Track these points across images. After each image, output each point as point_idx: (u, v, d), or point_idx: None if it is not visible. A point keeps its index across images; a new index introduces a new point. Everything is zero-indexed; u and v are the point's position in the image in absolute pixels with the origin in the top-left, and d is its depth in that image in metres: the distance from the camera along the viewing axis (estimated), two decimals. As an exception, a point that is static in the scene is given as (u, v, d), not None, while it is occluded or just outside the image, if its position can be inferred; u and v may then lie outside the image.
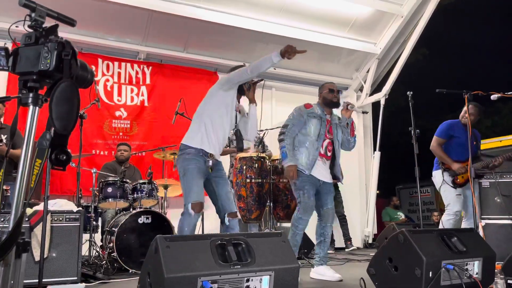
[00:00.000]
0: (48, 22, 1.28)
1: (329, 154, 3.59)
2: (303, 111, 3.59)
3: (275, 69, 6.91)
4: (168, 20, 5.80)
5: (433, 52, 14.90)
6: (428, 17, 6.53)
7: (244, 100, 3.24)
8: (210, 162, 2.90)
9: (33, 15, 1.21)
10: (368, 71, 7.45)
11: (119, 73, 6.00)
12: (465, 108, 4.14)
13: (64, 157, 1.19)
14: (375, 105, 7.71)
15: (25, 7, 1.21)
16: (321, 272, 3.45)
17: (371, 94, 7.55)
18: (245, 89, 3.13)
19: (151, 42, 6.16)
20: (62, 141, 1.18)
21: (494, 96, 3.86)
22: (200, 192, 2.84)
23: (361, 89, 7.69)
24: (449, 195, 4.16)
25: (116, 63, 6.00)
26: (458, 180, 4.13)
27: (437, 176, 4.32)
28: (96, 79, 5.68)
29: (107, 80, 5.91)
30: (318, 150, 3.49)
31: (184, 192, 2.88)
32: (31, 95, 1.18)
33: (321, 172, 3.52)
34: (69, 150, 1.20)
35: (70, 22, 1.32)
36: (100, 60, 5.89)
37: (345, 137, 3.66)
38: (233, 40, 6.38)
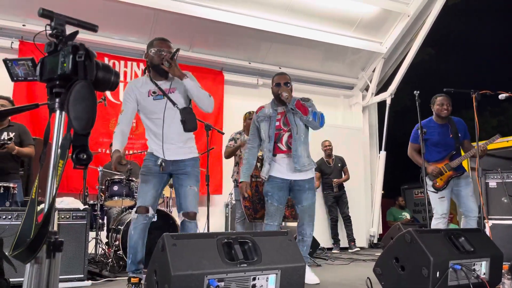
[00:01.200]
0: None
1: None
2: (255, 118, 3.48)
3: (280, 68, 6.92)
4: (174, 19, 5.81)
5: (440, 52, 14.81)
6: (435, 16, 6.50)
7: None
8: (159, 161, 2.87)
9: (52, 24, 1.25)
10: (374, 71, 7.43)
11: (125, 72, 6.02)
12: (437, 100, 3.96)
13: (85, 156, 1.21)
14: (381, 104, 7.69)
15: (44, 17, 1.24)
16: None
17: (377, 94, 7.53)
18: (166, 69, 2.75)
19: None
20: (83, 141, 1.21)
21: (502, 96, 3.83)
22: (144, 194, 2.85)
23: (366, 89, 7.67)
24: (433, 199, 4.02)
25: (122, 62, 6.03)
26: (437, 183, 3.94)
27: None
28: (102, 78, 5.70)
29: (113, 79, 5.93)
30: (271, 152, 3.33)
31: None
32: (57, 100, 1.22)
33: (285, 171, 3.31)
34: (90, 151, 1.23)
35: (91, 28, 1.36)
36: (106, 59, 5.91)
37: (304, 120, 3.30)
38: (238, 39, 6.38)
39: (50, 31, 1.25)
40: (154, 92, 2.86)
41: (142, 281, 2.77)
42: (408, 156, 4.16)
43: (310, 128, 3.39)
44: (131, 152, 5.51)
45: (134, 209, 2.90)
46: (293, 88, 3.49)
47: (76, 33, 1.28)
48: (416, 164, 4.07)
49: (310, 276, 3.24)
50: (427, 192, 3.98)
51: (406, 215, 8.40)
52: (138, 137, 5.94)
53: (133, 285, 2.77)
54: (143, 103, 2.87)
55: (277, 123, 3.37)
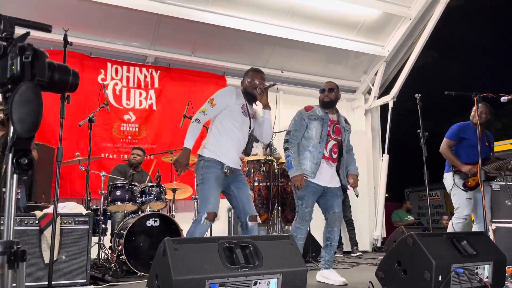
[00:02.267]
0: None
1: (334, 156, 3.51)
2: (304, 114, 3.56)
3: (282, 72, 6.93)
4: (176, 24, 5.84)
5: (442, 55, 14.79)
6: (437, 19, 6.49)
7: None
8: (226, 169, 2.95)
9: (1, 26, 1.19)
10: (376, 74, 7.42)
11: (127, 77, 6.04)
12: (474, 108, 4.10)
13: (26, 161, 1.15)
14: (383, 107, 7.68)
15: None
16: (326, 275, 3.43)
17: (379, 97, 7.52)
18: (257, 95, 3.08)
19: (159, 46, 6.20)
20: (25, 144, 1.15)
21: (504, 98, 3.82)
22: (216, 202, 2.89)
23: (369, 92, 7.67)
24: (459, 199, 4.10)
25: (124, 67, 6.05)
26: (469, 183, 4.06)
27: (448, 179, 4.27)
28: (105, 83, 5.72)
29: (116, 84, 5.96)
30: (321, 153, 3.43)
31: (201, 200, 2.93)
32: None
33: (325, 177, 3.45)
34: (32, 155, 1.17)
35: (45, 28, 1.30)
36: (109, 64, 5.94)
37: (349, 132, 3.69)
38: (240, 43, 6.41)
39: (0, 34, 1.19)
40: (245, 109, 3.11)
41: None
42: (440, 151, 4.25)
43: None
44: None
45: (205, 214, 2.83)
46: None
47: (27, 34, 1.22)
48: (422, 167, 4.07)
49: (337, 277, 3.37)
50: (429, 195, 3.97)
51: (411, 218, 8.40)
52: (141, 142, 5.96)
53: None
54: (235, 112, 3.05)
55: (328, 129, 3.51)
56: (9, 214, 1.17)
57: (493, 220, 4.11)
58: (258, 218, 3.09)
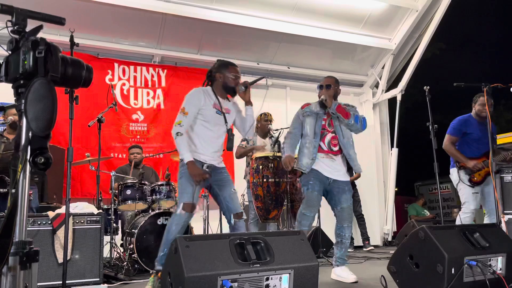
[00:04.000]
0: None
1: (335, 149, 3.47)
2: (299, 112, 3.59)
3: (289, 67, 6.92)
4: (182, 23, 5.85)
5: (450, 46, 14.63)
6: (444, 10, 6.42)
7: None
8: (205, 166, 2.98)
9: (13, 19, 1.15)
10: (383, 67, 7.37)
11: (135, 77, 6.07)
12: (480, 100, 4.03)
13: (42, 160, 1.11)
14: (392, 101, 7.62)
15: (3, 12, 1.14)
16: (338, 273, 3.41)
17: (387, 90, 7.46)
18: (238, 91, 3.07)
19: (166, 45, 6.22)
20: (41, 143, 1.11)
21: (514, 89, 3.77)
22: (193, 193, 2.91)
23: (376, 86, 7.62)
24: (466, 193, 4.06)
25: (131, 67, 6.08)
26: (475, 178, 4.00)
27: (454, 174, 4.22)
28: (112, 83, 5.76)
29: (123, 84, 6.00)
30: (316, 148, 3.42)
31: (179, 193, 3.01)
32: (23, 101, 1.11)
33: (327, 169, 3.42)
34: (49, 153, 1.13)
35: (58, 21, 1.24)
36: (116, 65, 5.97)
37: (344, 123, 3.45)
38: (246, 40, 6.40)
39: (12, 27, 1.15)
40: (218, 107, 3.08)
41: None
42: (444, 148, 4.16)
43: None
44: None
45: (180, 205, 2.89)
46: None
47: (40, 27, 1.18)
48: (431, 160, 4.04)
49: (348, 274, 3.33)
50: (440, 187, 3.95)
51: (428, 213, 8.38)
52: (150, 141, 6.00)
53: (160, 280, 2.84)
54: (207, 112, 3.03)
55: (323, 122, 3.48)
56: (22, 215, 1.14)
57: (505, 211, 4.06)
58: (244, 215, 3.09)
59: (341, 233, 3.44)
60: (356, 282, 3.26)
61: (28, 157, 1.11)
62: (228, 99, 3.18)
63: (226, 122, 3.10)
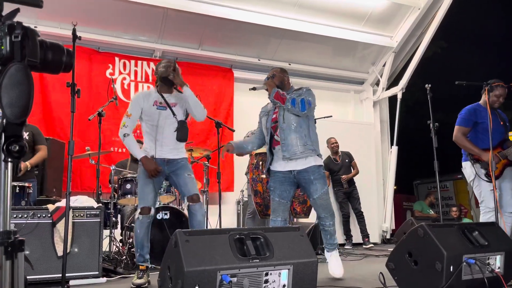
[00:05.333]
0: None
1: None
2: (260, 114, 3.58)
3: (289, 64, 6.90)
4: (183, 18, 5.84)
5: (452, 45, 14.59)
6: (446, 8, 6.41)
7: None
8: (157, 162, 3.14)
9: None
10: (384, 65, 7.36)
11: (135, 71, 6.06)
12: (497, 90, 3.74)
13: (17, 148, 1.07)
14: (392, 99, 7.62)
15: None
16: (327, 256, 3.37)
17: (387, 88, 7.47)
18: (171, 78, 3.18)
19: (167, 40, 6.21)
20: (16, 130, 1.07)
21: (515, 87, 3.75)
22: (147, 196, 3.14)
23: (377, 83, 7.62)
24: (483, 191, 3.70)
25: (132, 62, 6.07)
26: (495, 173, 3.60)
27: (467, 168, 3.87)
28: (113, 77, 5.75)
29: (124, 79, 5.99)
30: (269, 145, 3.38)
31: (138, 197, 3.28)
32: None
33: (281, 162, 3.30)
34: (24, 142, 1.10)
35: (35, 3, 1.19)
36: (117, 59, 5.96)
37: (285, 109, 3.27)
38: (247, 36, 6.39)
39: None
40: (160, 103, 3.24)
41: (150, 266, 3.24)
42: (454, 141, 3.83)
43: (308, 117, 3.34)
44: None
45: (138, 210, 3.15)
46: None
47: (17, 10, 1.14)
48: (430, 158, 3.95)
49: (333, 267, 3.25)
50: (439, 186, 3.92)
51: (432, 212, 8.41)
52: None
53: (142, 272, 3.13)
54: (148, 110, 3.22)
55: (274, 116, 3.39)
56: (5, 204, 1.12)
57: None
58: (200, 198, 3.21)
59: (321, 222, 3.34)
60: (340, 279, 3.19)
61: (2, 144, 1.07)
62: (178, 90, 3.31)
63: (174, 114, 3.22)
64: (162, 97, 3.25)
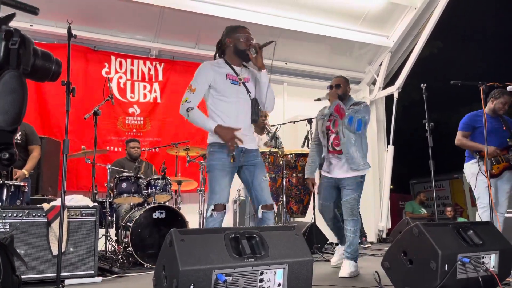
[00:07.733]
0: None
1: (337, 148, 3.58)
2: (316, 117, 3.83)
3: (286, 63, 6.90)
4: (180, 17, 5.82)
5: (448, 45, 14.64)
6: (442, 8, 6.41)
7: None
8: (231, 153, 2.66)
9: None
10: (381, 65, 7.37)
11: (131, 70, 6.05)
12: (503, 98, 3.94)
13: (7, 156, 1.05)
14: (388, 98, 7.64)
15: None
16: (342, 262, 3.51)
17: (384, 88, 7.47)
18: (251, 55, 2.74)
19: (163, 39, 6.19)
20: (7, 138, 1.06)
21: (510, 87, 3.78)
22: (223, 192, 2.64)
23: (373, 83, 7.62)
24: (478, 188, 3.92)
25: (128, 60, 6.05)
26: (493, 170, 3.90)
27: (467, 168, 4.10)
28: (109, 76, 5.73)
29: (120, 77, 5.97)
30: (326, 148, 3.63)
31: (208, 190, 2.71)
32: None
33: (335, 170, 3.58)
34: (14, 149, 1.08)
35: (31, 10, 1.19)
36: (113, 58, 5.94)
37: (343, 123, 3.48)
38: (244, 35, 6.37)
39: None
40: (233, 76, 2.77)
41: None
42: (457, 144, 4.10)
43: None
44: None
45: (211, 206, 2.62)
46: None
47: (13, 15, 1.13)
48: (427, 158, 3.99)
49: (343, 268, 3.40)
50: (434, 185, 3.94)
51: (425, 211, 8.41)
52: (146, 134, 5.98)
53: None
54: (220, 85, 2.72)
55: (328, 123, 3.63)
56: None
57: (509, 210, 4.05)
58: (275, 206, 2.81)
59: (345, 227, 3.51)
60: (343, 277, 3.30)
61: None
62: (246, 66, 2.88)
63: (248, 91, 2.77)
64: (234, 70, 2.78)
